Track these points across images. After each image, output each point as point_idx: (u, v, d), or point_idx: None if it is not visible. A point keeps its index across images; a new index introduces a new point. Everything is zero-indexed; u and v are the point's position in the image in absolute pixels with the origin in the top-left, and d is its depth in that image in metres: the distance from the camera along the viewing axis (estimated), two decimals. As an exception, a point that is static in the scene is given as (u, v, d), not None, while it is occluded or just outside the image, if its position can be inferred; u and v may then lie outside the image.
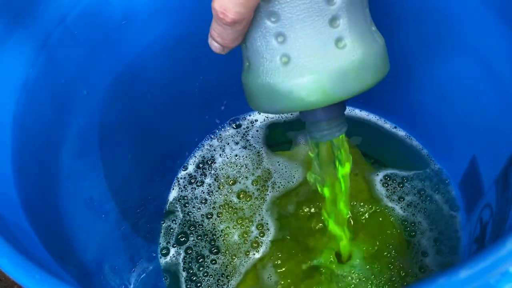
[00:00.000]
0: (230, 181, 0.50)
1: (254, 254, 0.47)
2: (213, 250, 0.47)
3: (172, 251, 0.48)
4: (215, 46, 0.30)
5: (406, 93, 0.49)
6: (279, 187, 0.49)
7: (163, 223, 0.49)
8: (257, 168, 0.51)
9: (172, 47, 0.43)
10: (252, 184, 0.50)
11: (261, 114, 0.54)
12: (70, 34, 0.35)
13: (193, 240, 0.48)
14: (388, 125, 0.52)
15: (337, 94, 0.30)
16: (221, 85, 0.49)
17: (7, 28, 0.31)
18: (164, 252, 0.48)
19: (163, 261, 0.48)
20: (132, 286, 0.43)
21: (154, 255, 0.48)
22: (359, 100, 0.52)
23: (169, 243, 0.48)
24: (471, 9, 0.36)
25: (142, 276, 0.45)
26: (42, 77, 0.34)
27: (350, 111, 0.53)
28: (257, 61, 0.31)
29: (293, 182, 0.50)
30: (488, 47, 0.37)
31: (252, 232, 0.48)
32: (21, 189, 0.31)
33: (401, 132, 0.51)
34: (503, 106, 0.37)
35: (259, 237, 0.47)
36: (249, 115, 0.54)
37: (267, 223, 0.48)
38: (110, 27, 0.38)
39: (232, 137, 0.53)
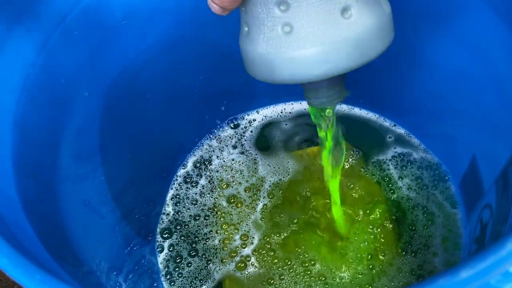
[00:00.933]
0: (224, 184, 0.50)
1: (230, 264, 0.46)
2: (192, 253, 0.47)
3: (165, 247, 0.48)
4: (214, 7, 0.29)
5: (406, 93, 0.49)
6: (271, 197, 0.49)
7: (160, 220, 0.49)
8: (252, 175, 0.50)
9: (172, 47, 0.43)
10: (245, 191, 0.50)
11: (260, 113, 0.54)
12: (70, 34, 0.35)
13: (176, 239, 0.48)
14: (387, 123, 0.52)
15: (341, 67, 0.28)
16: (221, 85, 0.49)
17: (7, 28, 0.31)
18: (159, 249, 0.48)
19: (159, 258, 0.48)
20: (131, 285, 0.43)
21: (152, 254, 0.48)
22: (359, 100, 0.52)
23: (158, 240, 0.49)
24: (472, 8, 0.36)
25: (140, 275, 0.45)
26: (42, 77, 0.34)
27: (350, 109, 0.53)
28: (257, 28, 0.29)
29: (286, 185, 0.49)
30: (489, 47, 0.37)
31: (235, 241, 0.47)
32: (21, 189, 0.31)
33: (400, 130, 0.51)
34: (503, 106, 0.37)
35: (240, 247, 0.47)
36: (248, 114, 0.54)
37: (253, 237, 0.47)
38: (110, 27, 0.38)
39: (230, 138, 0.53)
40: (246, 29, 0.30)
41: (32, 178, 0.33)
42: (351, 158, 0.50)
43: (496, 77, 0.37)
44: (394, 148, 0.50)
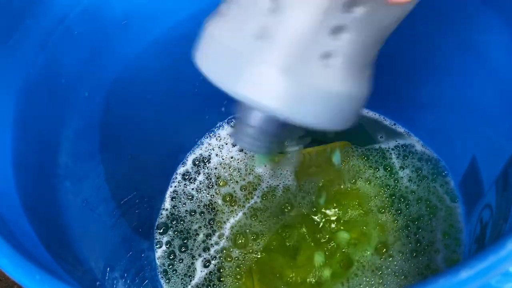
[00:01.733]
0: (221, 182, 0.50)
1: (208, 260, 0.47)
2: (182, 249, 0.47)
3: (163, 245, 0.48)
4: None
5: (406, 92, 0.49)
6: (264, 198, 0.49)
7: (160, 216, 0.50)
8: (249, 174, 0.50)
9: (172, 47, 0.43)
10: (241, 190, 0.50)
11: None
12: (70, 34, 0.35)
13: (172, 235, 0.48)
14: (387, 122, 0.52)
15: (276, 108, 0.24)
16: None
17: (7, 28, 0.31)
18: (157, 246, 0.48)
19: (157, 254, 0.48)
20: (129, 283, 0.43)
21: (150, 251, 0.48)
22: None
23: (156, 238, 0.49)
24: (472, 8, 0.36)
25: (139, 273, 0.45)
26: (42, 77, 0.34)
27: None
28: (237, 12, 0.25)
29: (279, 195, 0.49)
30: (489, 47, 0.37)
31: (213, 237, 0.48)
32: (21, 189, 0.31)
33: (400, 129, 0.51)
34: (503, 106, 0.37)
35: (214, 244, 0.47)
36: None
37: (235, 235, 0.48)
38: (110, 27, 0.38)
39: (229, 137, 0.53)
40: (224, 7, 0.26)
41: (32, 178, 0.33)
42: (351, 158, 0.50)
43: (496, 77, 0.37)
44: (396, 141, 0.50)
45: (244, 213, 0.48)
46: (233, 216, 0.48)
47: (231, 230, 0.48)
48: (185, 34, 0.43)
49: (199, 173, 0.51)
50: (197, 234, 0.48)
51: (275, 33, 0.24)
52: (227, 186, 0.50)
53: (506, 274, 0.20)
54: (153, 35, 0.41)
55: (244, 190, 0.50)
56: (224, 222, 0.48)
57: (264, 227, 0.47)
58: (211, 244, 0.48)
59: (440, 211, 0.47)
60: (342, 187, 0.48)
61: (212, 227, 0.48)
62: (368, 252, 0.45)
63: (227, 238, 0.48)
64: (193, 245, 0.48)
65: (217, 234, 0.48)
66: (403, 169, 0.49)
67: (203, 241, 0.48)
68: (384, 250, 0.45)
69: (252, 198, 0.49)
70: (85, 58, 0.37)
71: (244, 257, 0.46)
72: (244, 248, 0.47)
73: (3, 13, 0.31)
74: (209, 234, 0.48)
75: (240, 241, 0.47)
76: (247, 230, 0.47)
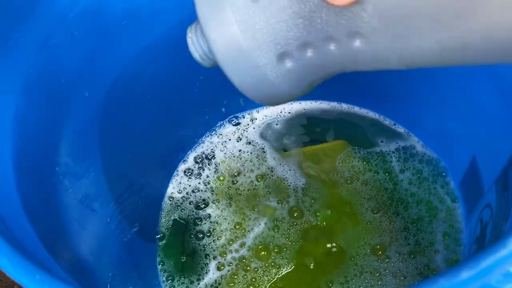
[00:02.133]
0: (234, 172, 0.50)
1: (223, 265, 0.46)
2: (191, 249, 0.47)
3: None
4: None
5: (406, 92, 0.49)
6: (279, 203, 0.49)
7: (160, 215, 0.50)
8: (261, 164, 0.50)
9: (172, 47, 0.43)
10: (257, 180, 0.50)
11: (260, 113, 0.54)
12: (70, 34, 0.35)
13: (172, 235, 0.48)
14: (387, 122, 0.52)
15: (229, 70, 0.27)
16: (221, 85, 0.49)
17: (7, 28, 0.31)
18: (159, 245, 0.48)
19: (158, 253, 0.48)
20: (131, 282, 0.43)
21: (152, 250, 0.48)
22: (359, 99, 0.52)
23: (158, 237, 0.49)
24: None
25: (140, 272, 0.45)
26: (42, 77, 0.34)
27: (350, 108, 0.53)
28: None
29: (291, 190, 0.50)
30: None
31: (232, 241, 0.47)
32: (21, 189, 0.31)
33: (400, 129, 0.51)
34: (503, 106, 0.37)
35: (234, 251, 0.47)
36: (248, 114, 0.54)
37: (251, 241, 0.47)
38: (110, 27, 0.38)
39: (232, 134, 0.53)
40: None
41: (32, 178, 0.33)
42: (353, 157, 0.50)
43: (496, 77, 0.37)
44: (397, 143, 0.50)
45: (265, 223, 0.48)
46: (254, 224, 0.48)
47: (253, 241, 0.47)
48: (185, 33, 0.43)
49: (203, 169, 0.51)
50: (210, 236, 0.48)
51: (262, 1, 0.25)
52: (242, 175, 0.50)
53: (507, 275, 0.20)
54: (153, 35, 0.41)
55: (260, 180, 0.49)
56: (245, 229, 0.48)
57: (287, 240, 0.47)
58: (223, 246, 0.47)
59: (440, 212, 0.47)
60: (337, 187, 0.49)
61: (234, 230, 0.48)
62: (365, 253, 0.45)
63: (244, 245, 0.47)
64: (202, 245, 0.48)
65: (231, 238, 0.48)
66: (403, 172, 0.49)
67: (215, 242, 0.48)
68: (381, 251, 0.45)
69: (260, 201, 0.49)
70: (85, 58, 0.37)
71: (264, 271, 0.46)
72: (266, 260, 0.46)
73: (3, 13, 0.31)
74: (219, 235, 0.48)
75: (263, 252, 0.46)
76: (270, 243, 0.47)
